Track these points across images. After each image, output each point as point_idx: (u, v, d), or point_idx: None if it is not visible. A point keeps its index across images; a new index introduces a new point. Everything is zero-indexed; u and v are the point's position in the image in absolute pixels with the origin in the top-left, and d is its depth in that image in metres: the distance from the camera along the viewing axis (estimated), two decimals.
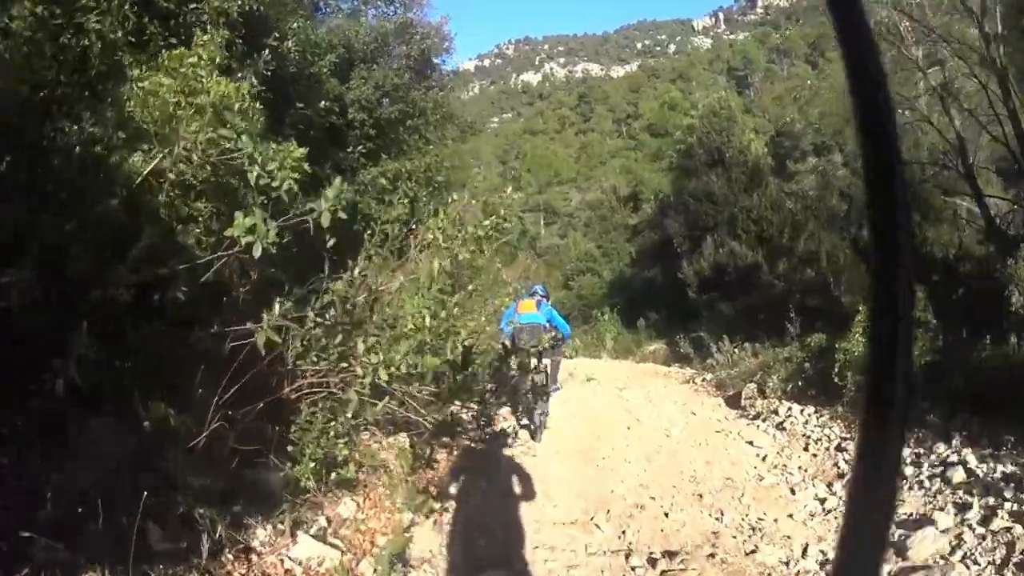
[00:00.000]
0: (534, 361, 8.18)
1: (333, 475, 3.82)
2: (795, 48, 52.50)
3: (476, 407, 7.21)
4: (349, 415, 3.66)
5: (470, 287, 5.72)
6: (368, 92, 10.20)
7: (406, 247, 4.79)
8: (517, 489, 5.88)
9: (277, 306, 3.04)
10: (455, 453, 6.45)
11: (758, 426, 8.83)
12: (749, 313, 19.45)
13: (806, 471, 7.05)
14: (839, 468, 6.97)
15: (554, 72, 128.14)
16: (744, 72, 56.24)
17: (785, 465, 7.25)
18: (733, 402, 10.71)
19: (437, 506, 4.72)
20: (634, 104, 65.48)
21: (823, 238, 20.40)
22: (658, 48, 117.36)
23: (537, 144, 67.54)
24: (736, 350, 14.11)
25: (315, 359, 3.68)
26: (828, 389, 9.14)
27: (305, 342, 3.58)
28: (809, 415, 8.79)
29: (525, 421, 8.46)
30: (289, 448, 3.57)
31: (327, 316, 3.75)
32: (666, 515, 5.65)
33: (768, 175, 25.00)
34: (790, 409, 9.19)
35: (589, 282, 38.37)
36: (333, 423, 3.62)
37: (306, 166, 3.83)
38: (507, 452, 7.11)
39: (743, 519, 5.56)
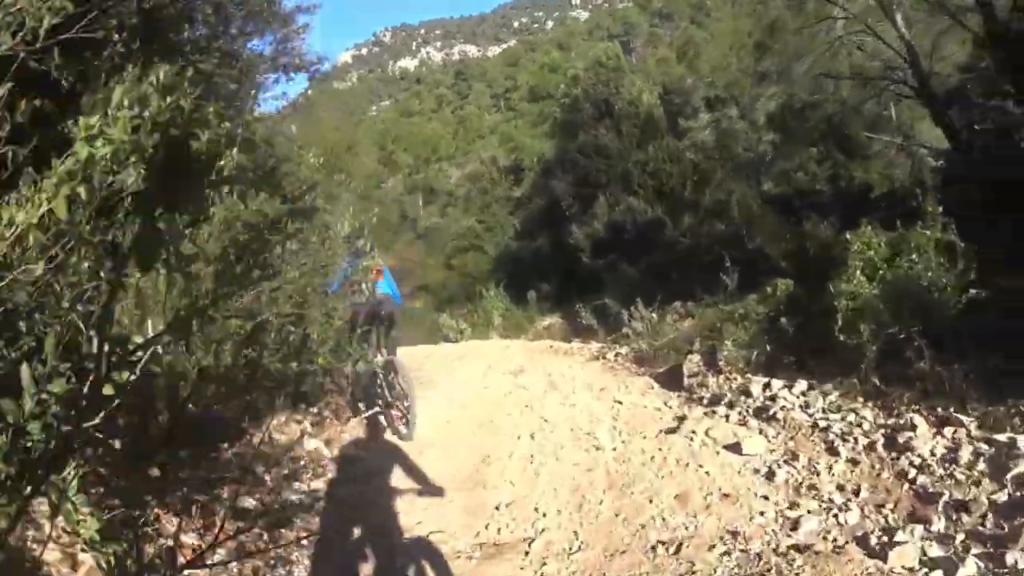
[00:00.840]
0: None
1: None
2: (679, 10, 50.27)
3: None
4: None
5: None
6: None
7: None
8: None
9: None
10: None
11: (727, 416, 5.57)
12: (656, 273, 16.68)
13: (856, 495, 3.83)
14: (913, 483, 3.78)
15: (431, 56, 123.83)
16: (626, 38, 53.43)
17: (814, 487, 3.98)
18: (671, 382, 7.47)
19: None
20: (512, 78, 62.04)
21: (734, 187, 17.77)
22: (536, 26, 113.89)
23: (413, 122, 63.18)
24: (654, 315, 10.96)
25: None
26: (822, 352, 6.01)
27: None
28: (805, 394, 5.61)
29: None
30: None
31: None
32: None
33: (663, 126, 22.29)
34: (769, 386, 5.99)
35: (472, 259, 34.96)
36: None
37: None
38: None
39: None
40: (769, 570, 3.06)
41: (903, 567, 3.01)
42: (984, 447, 3.91)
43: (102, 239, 1.46)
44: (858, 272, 5.92)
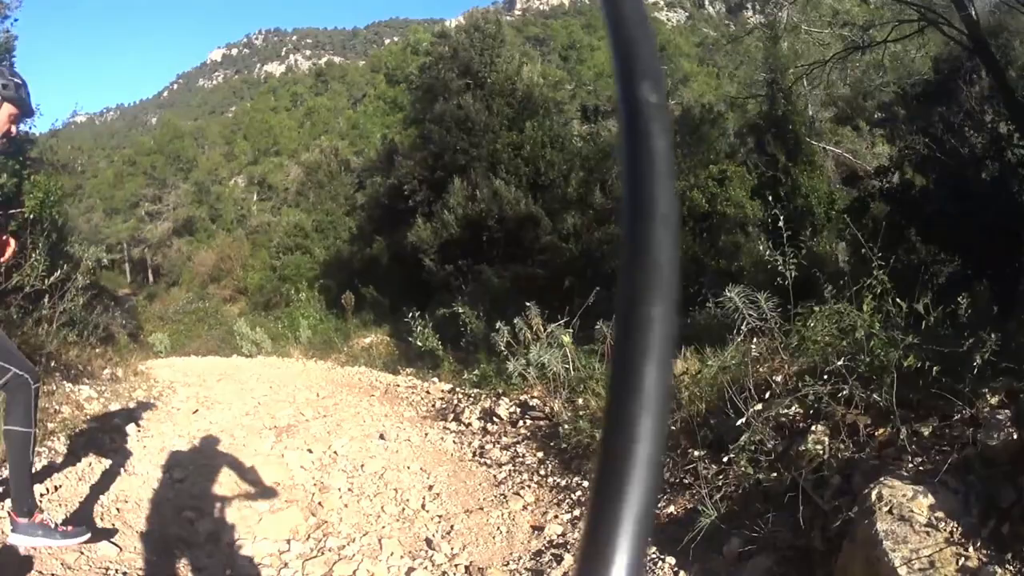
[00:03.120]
0: None
1: None
2: (555, 36, 45.46)
3: None
4: None
5: None
6: None
7: None
8: None
9: None
10: None
11: None
12: (530, 283, 10.91)
13: None
14: None
15: (299, 64, 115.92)
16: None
17: None
18: None
19: None
20: (374, 85, 55.44)
21: None
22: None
23: (257, 108, 54.60)
24: (567, 338, 4.90)
25: None
26: None
27: None
28: None
29: None
30: None
31: None
32: None
33: (548, 106, 16.66)
34: None
35: (296, 261, 27.74)
36: None
37: None
38: None
39: None
40: None
41: None
42: None
43: None
44: None
